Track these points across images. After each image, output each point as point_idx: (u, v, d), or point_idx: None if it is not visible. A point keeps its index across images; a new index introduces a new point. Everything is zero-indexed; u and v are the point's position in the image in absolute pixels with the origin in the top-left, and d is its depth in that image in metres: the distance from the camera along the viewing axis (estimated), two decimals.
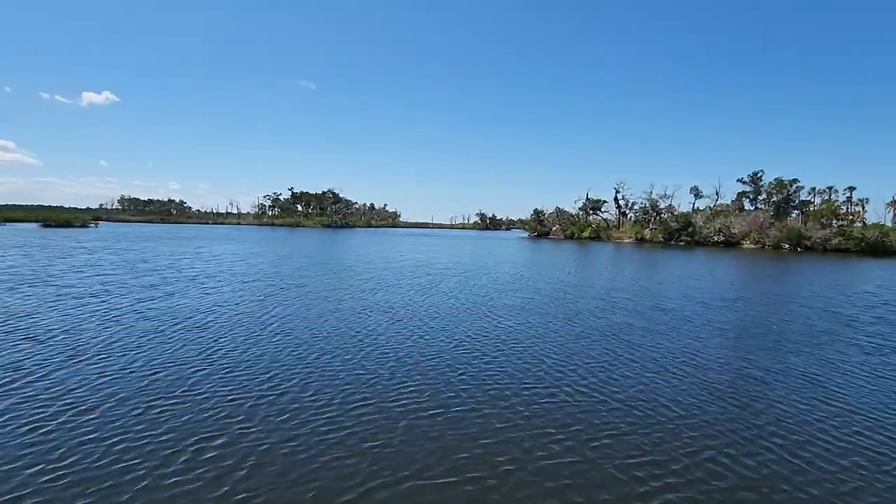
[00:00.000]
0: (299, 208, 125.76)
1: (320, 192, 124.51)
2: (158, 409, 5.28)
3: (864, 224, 57.58)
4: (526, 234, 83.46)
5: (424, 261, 25.80)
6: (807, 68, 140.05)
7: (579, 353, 8.33)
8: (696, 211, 70.82)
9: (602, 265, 27.52)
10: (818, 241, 51.32)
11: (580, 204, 77.00)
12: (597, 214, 76.95)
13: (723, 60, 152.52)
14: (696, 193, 74.53)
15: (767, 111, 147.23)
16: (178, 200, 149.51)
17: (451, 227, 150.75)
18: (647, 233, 64.63)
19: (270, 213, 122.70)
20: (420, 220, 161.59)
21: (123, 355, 7.14)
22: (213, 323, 9.46)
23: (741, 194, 71.20)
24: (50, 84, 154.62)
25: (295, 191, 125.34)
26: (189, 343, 7.96)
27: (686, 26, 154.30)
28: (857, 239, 48.60)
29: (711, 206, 72.32)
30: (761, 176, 68.68)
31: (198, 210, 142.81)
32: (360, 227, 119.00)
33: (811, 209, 65.81)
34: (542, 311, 12.05)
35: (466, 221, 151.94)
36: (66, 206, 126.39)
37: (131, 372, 6.45)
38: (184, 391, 5.85)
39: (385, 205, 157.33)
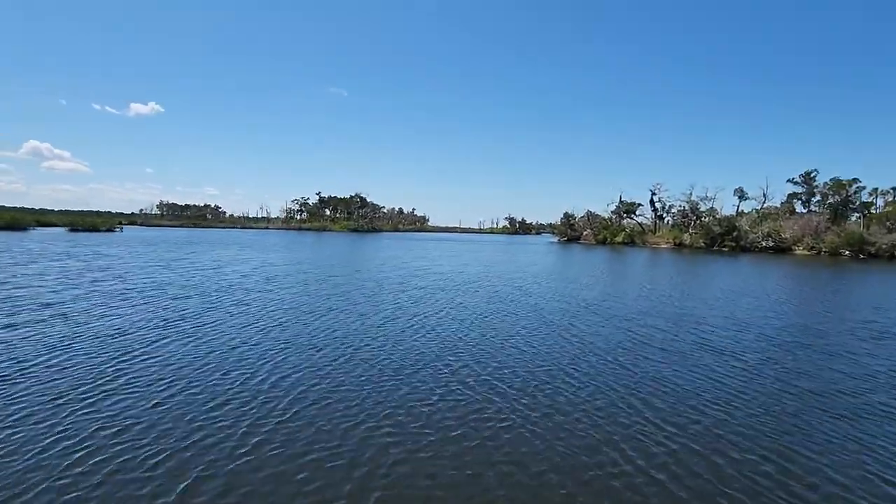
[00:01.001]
0: (327, 213, 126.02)
1: (348, 197, 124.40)
2: None
3: None
4: (555, 239, 79.87)
5: (422, 269, 23.33)
6: (865, 61, 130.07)
7: (573, 462, 4.66)
8: (740, 214, 65.66)
9: (634, 275, 24.32)
10: (884, 247, 45.90)
11: (613, 207, 72.98)
12: (631, 218, 72.67)
13: (770, 55, 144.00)
14: (741, 195, 69.14)
15: (819, 107, 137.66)
16: (213, 205, 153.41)
17: (480, 231, 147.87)
18: (686, 237, 60.16)
19: (298, 218, 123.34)
20: (448, 225, 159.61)
21: None
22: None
23: (792, 196, 65.56)
24: (101, 96, 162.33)
25: (323, 195, 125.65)
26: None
27: (733, 25, 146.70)
28: None
29: (758, 208, 66.95)
30: (815, 176, 62.89)
31: (230, 215, 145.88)
32: (386, 231, 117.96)
33: (873, 212, 59.66)
34: (529, 349, 9.26)
35: (495, 226, 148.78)
36: (114, 210, 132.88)
37: None
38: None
39: (413, 209, 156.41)
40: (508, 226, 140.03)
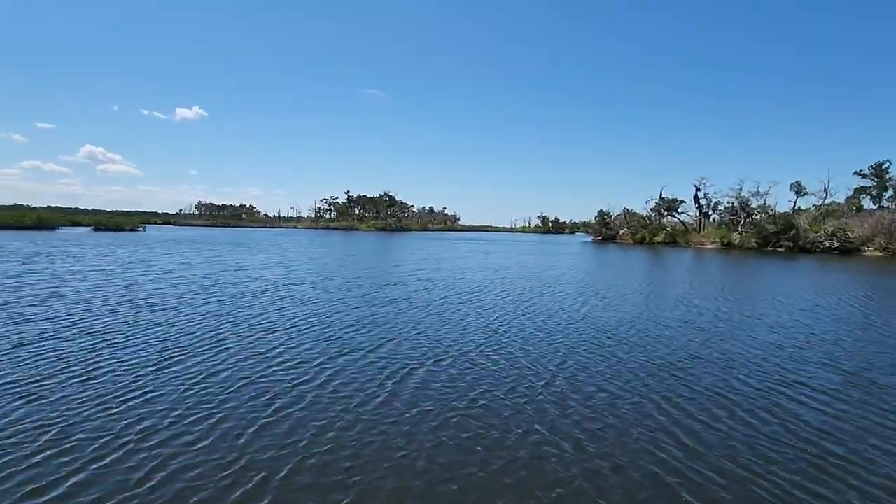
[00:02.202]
0: (356, 212, 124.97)
1: (376, 196, 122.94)
2: None
3: None
4: (589, 238, 75.12)
5: (411, 274, 20.20)
6: None
7: None
8: (797, 211, 59.10)
9: (675, 281, 20.37)
10: None
11: (652, 204, 67.63)
12: (672, 216, 67.16)
13: (835, 44, 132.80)
14: (798, 190, 62.10)
15: (884, 93, 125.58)
16: (249, 205, 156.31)
17: (512, 230, 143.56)
18: (735, 237, 54.53)
19: (327, 217, 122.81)
20: (479, 224, 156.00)
21: None
22: None
23: (859, 190, 58.50)
24: (149, 102, 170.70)
25: (351, 194, 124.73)
26: None
27: (789, 13, 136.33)
28: None
29: (817, 204, 60.15)
30: (887, 167, 55.80)
31: (266, 214, 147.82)
32: (415, 230, 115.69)
33: None
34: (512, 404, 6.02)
35: (528, 224, 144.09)
36: (159, 211, 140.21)
37: None
38: None
39: (444, 208, 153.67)
40: (541, 224, 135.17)
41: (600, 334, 9.73)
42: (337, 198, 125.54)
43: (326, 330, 9.42)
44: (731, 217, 58.75)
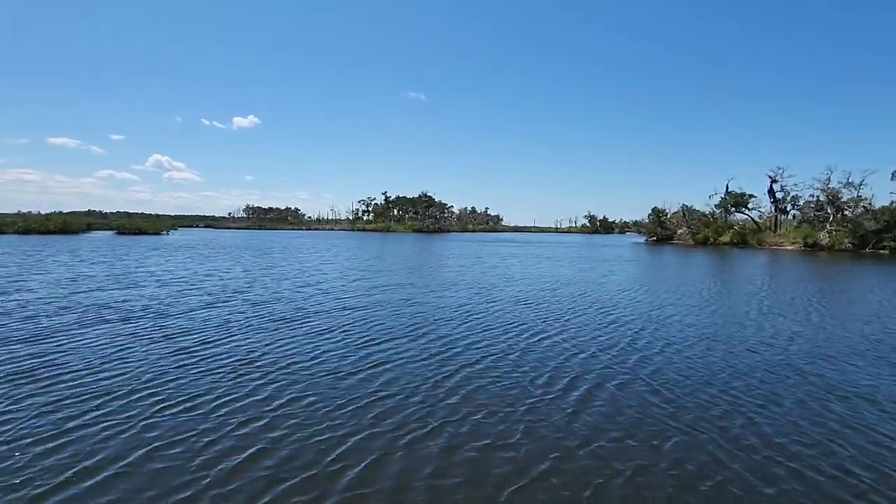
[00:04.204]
0: (395, 213, 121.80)
1: (415, 197, 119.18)
2: None
3: None
4: (642, 239, 67.40)
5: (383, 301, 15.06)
6: None
7: None
8: None
9: (758, 299, 14.11)
10: None
11: (717, 199, 59.18)
12: (741, 212, 58.50)
13: None
14: None
15: None
16: (293, 208, 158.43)
17: (557, 230, 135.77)
18: (822, 236, 45.79)
19: (365, 219, 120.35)
20: (522, 224, 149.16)
21: None
22: None
23: None
24: (209, 112, 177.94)
25: (389, 195, 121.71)
26: None
27: None
28: None
29: None
30: None
31: (308, 217, 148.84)
32: (454, 231, 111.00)
33: None
34: None
35: (574, 224, 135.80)
36: (217, 215, 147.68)
37: None
38: None
39: (486, 208, 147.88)
40: (588, 224, 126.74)
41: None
42: (374, 199, 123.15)
43: None
44: (816, 213, 49.74)
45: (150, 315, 9.88)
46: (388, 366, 6.81)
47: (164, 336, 8.19)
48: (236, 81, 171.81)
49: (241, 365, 6.68)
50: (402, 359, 7.17)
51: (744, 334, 9.49)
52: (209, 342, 7.87)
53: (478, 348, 7.93)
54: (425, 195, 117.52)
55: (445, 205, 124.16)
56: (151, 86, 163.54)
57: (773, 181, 55.06)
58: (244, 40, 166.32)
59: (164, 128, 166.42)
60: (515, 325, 9.87)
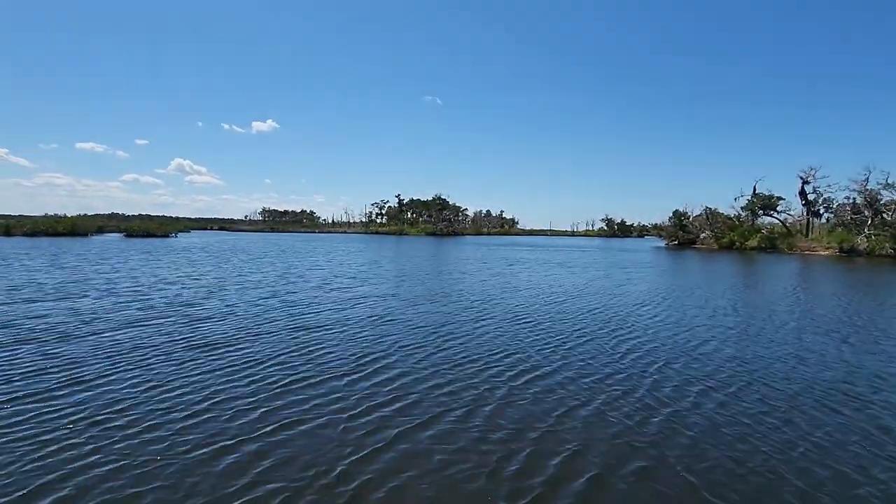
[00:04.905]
0: (408, 216, 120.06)
1: (429, 199, 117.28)
2: None
3: None
4: (662, 243, 64.25)
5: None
6: None
7: None
8: None
9: (811, 317, 11.63)
10: None
11: (743, 202, 55.84)
12: (770, 215, 55.08)
13: None
14: None
15: None
16: (309, 211, 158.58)
17: (573, 234, 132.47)
18: (860, 241, 42.36)
19: (378, 222, 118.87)
20: (538, 228, 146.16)
21: None
22: None
23: None
24: (229, 117, 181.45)
25: (402, 198, 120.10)
26: None
27: None
28: None
29: None
30: None
31: (323, 220, 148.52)
32: (468, 235, 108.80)
33: None
34: None
35: (591, 228, 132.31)
36: (235, 217, 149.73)
37: None
38: None
39: (501, 211, 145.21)
40: (605, 228, 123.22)
41: None
42: (387, 202, 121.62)
43: None
44: (853, 216, 46.22)
45: (50, 338, 7.96)
46: (288, 433, 4.68)
47: (34, 370, 6.22)
48: (256, 87, 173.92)
49: (91, 419, 4.65)
50: (313, 419, 5.03)
51: (812, 373, 7.12)
52: (80, 382, 5.87)
53: (438, 396, 5.76)
54: (439, 198, 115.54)
55: (459, 208, 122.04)
56: (175, 91, 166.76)
57: (805, 182, 51.61)
58: (264, 47, 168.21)
59: (186, 132, 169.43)
60: (503, 355, 7.68)
